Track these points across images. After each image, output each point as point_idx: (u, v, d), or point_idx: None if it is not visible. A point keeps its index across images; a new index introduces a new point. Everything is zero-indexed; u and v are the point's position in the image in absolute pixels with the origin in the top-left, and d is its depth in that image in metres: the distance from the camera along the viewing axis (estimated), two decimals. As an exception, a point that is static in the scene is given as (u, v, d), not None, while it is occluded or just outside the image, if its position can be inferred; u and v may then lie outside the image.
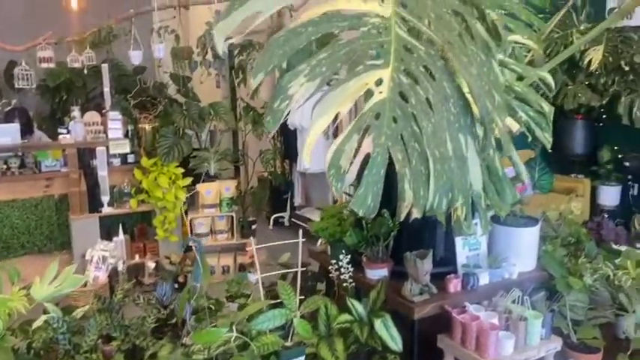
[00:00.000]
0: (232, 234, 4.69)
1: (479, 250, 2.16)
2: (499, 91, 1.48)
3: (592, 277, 2.45)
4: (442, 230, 2.16)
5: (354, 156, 1.17)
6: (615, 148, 5.31)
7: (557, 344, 1.97)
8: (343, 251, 2.10)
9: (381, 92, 1.25)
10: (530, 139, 1.90)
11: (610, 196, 5.29)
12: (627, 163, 5.17)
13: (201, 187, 4.58)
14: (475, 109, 1.34)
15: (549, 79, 1.95)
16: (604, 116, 5.39)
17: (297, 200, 5.67)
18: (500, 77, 1.53)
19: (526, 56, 2.17)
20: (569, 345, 2.04)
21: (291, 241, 1.96)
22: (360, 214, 1.19)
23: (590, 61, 5.17)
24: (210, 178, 4.67)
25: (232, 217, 4.64)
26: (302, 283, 2.40)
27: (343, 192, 1.16)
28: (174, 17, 4.77)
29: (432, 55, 1.35)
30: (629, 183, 5.35)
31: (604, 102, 5.12)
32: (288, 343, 1.86)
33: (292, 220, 5.60)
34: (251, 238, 2.45)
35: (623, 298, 2.25)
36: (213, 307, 2.40)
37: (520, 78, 2.03)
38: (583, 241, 2.74)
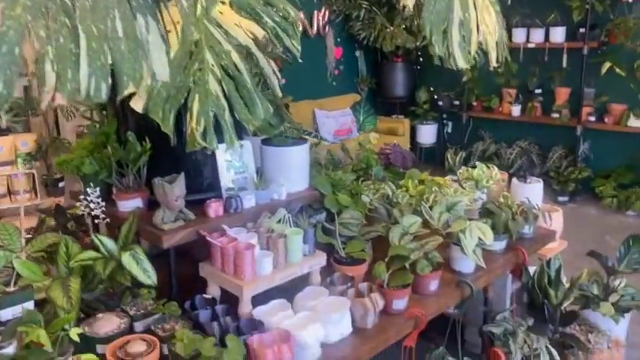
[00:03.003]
0: (36, 193, 4.21)
1: (246, 173, 2.05)
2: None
3: (373, 196, 2.50)
4: (209, 155, 2.01)
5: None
6: (431, 89, 5.60)
7: (321, 259, 1.94)
8: (91, 184, 1.87)
9: (21, -43, 1.02)
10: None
11: (427, 134, 5.60)
12: (441, 103, 5.48)
13: (-10, 144, 4.01)
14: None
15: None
16: (421, 59, 5.63)
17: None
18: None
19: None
20: (336, 259, 2.03)
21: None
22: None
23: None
24: (2, 132, 4.11)
25: (33, 174, 4.16)
26: (61, 226, 2.14)
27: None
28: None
29: None
30: (444, 121, 5.71)
31: (419, 44, 5.32)
32: (11, 289, 1.61)
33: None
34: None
35: (396, 213, 2.31)
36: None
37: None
38: (372, 165, 2.80)
